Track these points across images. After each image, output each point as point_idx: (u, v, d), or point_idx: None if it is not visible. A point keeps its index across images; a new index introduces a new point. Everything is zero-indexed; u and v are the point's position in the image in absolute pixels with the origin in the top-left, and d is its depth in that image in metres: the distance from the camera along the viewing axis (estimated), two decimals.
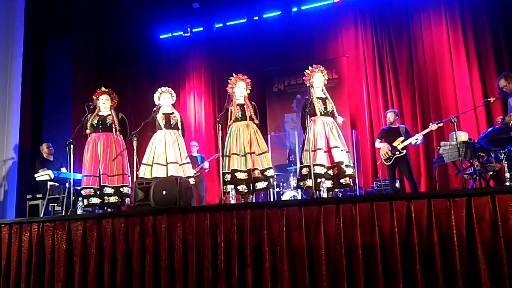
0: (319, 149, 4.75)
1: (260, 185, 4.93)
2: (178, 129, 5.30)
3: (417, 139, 5.98)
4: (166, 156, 5.11)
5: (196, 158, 7.37)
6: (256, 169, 4.91)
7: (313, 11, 8.33)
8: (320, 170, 4.68)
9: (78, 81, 7.87)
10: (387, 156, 6.00)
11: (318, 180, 4.62)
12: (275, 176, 5.09)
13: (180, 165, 5.15)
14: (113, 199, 5.06)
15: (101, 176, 5.06)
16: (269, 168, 4.99)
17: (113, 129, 5.23)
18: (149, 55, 9.36)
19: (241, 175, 4.86)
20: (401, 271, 3.16)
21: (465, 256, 3.09)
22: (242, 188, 4.87)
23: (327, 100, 4.99)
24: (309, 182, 4.55)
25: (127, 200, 5.17)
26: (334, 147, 4.78)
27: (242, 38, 8.82)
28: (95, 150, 5.13)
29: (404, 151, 5.97)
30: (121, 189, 5.12)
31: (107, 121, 5.24)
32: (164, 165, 5.09)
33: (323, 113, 4.89)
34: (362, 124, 7.90)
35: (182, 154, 5.23)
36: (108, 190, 5.04)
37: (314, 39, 8.50)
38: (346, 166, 4.75)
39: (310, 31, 8.48)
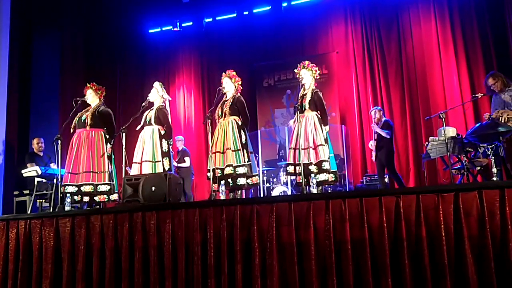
0: (296, 148, 4.77)
1: (242, 181, 4.89)
2: (151, 124, 5.11)
3: (377, 131, 6.13)
4: (143, 153, 5.01)
5: (182, 151, 7.32)
6: (231, 165, 4.83)
7: (303, 6, 8.32)
8: (290, 169, 4.86)
9: (65, 75, 7.77)
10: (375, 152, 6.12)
11: (313, 175, 4.65)
12: (247, 172, 4.94)
13: (154, 162, 4.99)
14: (86, 198, 4.95)
15: (83, 174, 4.90)
16: (242, 165, 4.87)
17: (87, 126, 5.03)
18: (138, 49, 9.27)
19: (221, 173, 4.85)
20: (390, 266, 3.19)
21: (452, 251, 3.13)
22: (215, 186, 4.80)
23: (304, 97, 4.96)
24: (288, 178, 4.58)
25: (114, 196, 5.07)
26: (308, 147, 4.77)
27: (232, 33, 8.78)
28: (76, 147, 4.99)
29: (372, 147, 6.12)
30: (98, 188, 4.92)
31: (83, 118, 5.10)
32: (138, 163, 5.00)
33: (301, 110, 4.86)
34: (351, 119, 7.94)
35: (157, 151, 5.02)
36: (87, 188, 4.87)
37: (304, 35, 8.50)
38: (327, 162, 4.74)
39: (300, 26, 8.47)
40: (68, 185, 4.86)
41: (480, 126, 4.97)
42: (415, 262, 3.18)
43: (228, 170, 4.81)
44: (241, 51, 8.73)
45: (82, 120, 5.09)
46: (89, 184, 4.88)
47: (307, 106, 4.90)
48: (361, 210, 3.32)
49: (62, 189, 4.84)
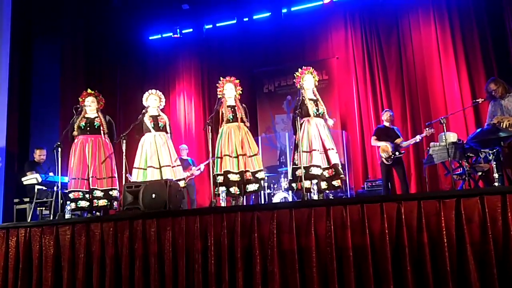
0: (314, 150, 4.74)
1: (252, 187, 4.92)
2: (166, 131, 5.27)
3: (416, 140, 6.02)
4: (159, 159, 5.07)
5: (187, 161, 7.32)
6: (248, 171, 4.89)
7: (303, 12, 8.34)
8: (316, 171, 4.68)
9: (66, 83, 7.78)
10: (388, 155, 6.00)
11: (314, 181, 4.63)
12: (266, 178, 5.09)
13: (172, 167, 5.12)
14: (102, 202, 5.00)
15: (91, 179, 5.00)
16: (260, 170, 4.99)
17: (101, 132, 5.17)
18: (138, 56, 9.29)
19: (233, 177, 4.84)
20: (392, 273, 3.17)
21: (455, 257, 3.11)
22: (234, 190, 4.84)
23: (318, 102, 5.00)
24: (306, 183, 4.54)
25: (115, 203, 5.12)
26: (329, 148, 4.81)
27: (232, 39, 8.80)
28: (83, 153, 5.06)
29: (404, 152, 6.02)
30: (110, 192, 5.07)
31: (95, 124, 5.18)
32: (157, 168, 5.06)
33: (315, 114, 4.90)
34: (352, 125, 7.93)
35: (172, 157, 5.20)
36: (98, 193, 4.99)
37: (304, 40, 8.52)
38: (341, 168, 4.80)
39: (300, 32, 8.48)
40: (76, 191, 4.91)
41: (481, 131, 4.96)
42: (417, 269, 3.16)
43: (248, 175, 4.87)
44: (241, 57, 8.75)
45: (96, 127, 5.15)
46: (114, 189, 5.09)
47: (324, 111, 5.01)
48: (363, 216, 3.30)
49: (66, 196, 4.90)
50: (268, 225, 3.48)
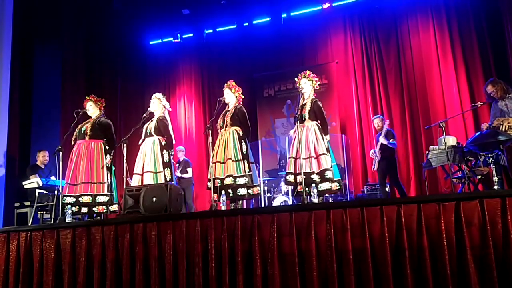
0: (297, 158, 4.78)
1: (243, 191, 4.90)
2: (152, 135, 5.12)
3: (382, 142, 6.14)
4: (144, 165, 5.02)
5: (184, 162, 7.34)
6: (231, 175, 4.86)
7: (303, 17, 8.38)
8: (290, 178, 4.85)
9: (66, 87, 7.81)
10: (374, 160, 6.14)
11: (313, 185, 4.64)
12: (247, 183, 4.97)
13: (155, 173, 4.99)
14: (101, 208, 4.95)
15: (81, 184, 4.93)
16: (242, 176, 4.90)
17: (87, 137, 5.07)
18: (139, 61, 9.32)
19: (221, 183, 4.86)
20: (392, 276, 3.17)
21: (454, 260, 3.11)
22: (215, 196, 4.80)
23: (304, 106, 4.98)
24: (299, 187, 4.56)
25: (115, 207, 5.07)
26: (310, 156, 4.76)
27: (232, 44, 8.84)
28: (76, 158, 5.03)
29: (376, 155, 6.11)
30: (96, 198, 4.95)
31: (82, 129, 5.15)
32: (140, 174, 5.01)
33: (301, 119, 4.88)
34: (351, 129, 7.95)
35: (158, 162, 5.02)
36: (85, 199, 4.90)
37: (304, 45, 8.55)
38: (330, 171, 4.73)
39: (300, 37, 8.52)
40: (67, 195, 4.87)
41: (480, 134, 4.97)
42: (417, 272, 3.16)
43: (228, 181, 4.83)
44: (241, 62, 8.78)
45: (82, 131, 5.13)
46: (87, 195, 4.90)
47: (307, 116, 4.91)
48: (362, 219, 3.31)
49: (62, 200, 4.86)
50: (269, 228, 3.49)
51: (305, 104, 5.00)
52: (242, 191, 4.89)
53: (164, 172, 5.01)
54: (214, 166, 4.92)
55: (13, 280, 4.08)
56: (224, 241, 3.55)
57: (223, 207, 4.75)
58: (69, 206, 4.83)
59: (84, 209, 4.92)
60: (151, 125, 5.17)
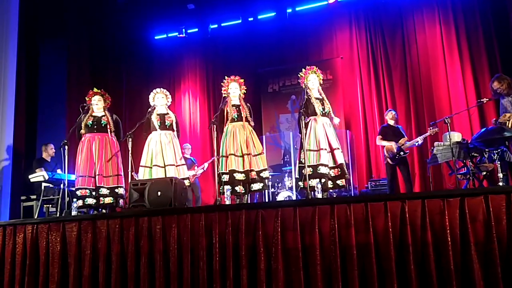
0: (322, 149, 4.75)
1: (256, 186, 4.95)
2: (173, 130, 5.30)
3: (417, 141, 6.03)
4: (164, 157, 5.09)
5: (190, 160, 7.36)
6: (253, 170, 4.92)
7: (308, 12, 8.36)
8: (324, 170, 4.70)
9: (72, 82, 7.84)
10: (393, 155, 6.00)
11: (323, 180, 4.65)
12: (270, 177, 5.11)
13: (176, 166, 5.14)
14: (108, 199, 5.05)
15: (97, 176, 5.05)
16: (265, 170, 5.02)
17: (108, 130, 5.22)
18: (144, 56, 9.34)
19: (239, 176, 4.87)
20: (396, 271, 3.18)
21: (458, 256, 3.11)
22: (239, 189, 4.87)
23: (324, 101, 5.01)
24: (313, 182, 4.56)
25: (121, 201, 5.16)
26: (336, 148, 4.82)
27: (237, 39, 8.83)
28: (90, 151, 5.11)
29: (408, 151, 6.03)
30: (116, 190, 5.12)
31: (102, 122, 5.23)
32: (162, 167, 5.08)
33: (322, 113, 4.91)
34: (356, 124, 7.94)
35: (177, 156, 5.21)
36: (104, 191, 5.04)
37: (309, 40, 8.53)
38: (346, 168, 4.82)
39: (305, 32, 8.50)
40: (82, 188, 4.97)
41: (486, 131, 4.96)
42: (421, 268, 3.16)
43: (253, 174, 4.91)
44: (246, 57, 8.78)
45: (103, 125, 5.20)
46: (120, 187, 5.14)
47: (330, 110, 5.01)
48: (366, 215, 3.32)
49: (72, 193, 4.95)
50: (273, 223, 3.50)
51: (323, 98, 5.03)
52: (259, 185, 4.96)
53: (181, 167, 5.21)
54: (230, 158, 4.89)
55: (20, 272, 4.12)
56: (229, 235, 3.57)
57: (227, 202, 4.77)
58: (75, 200, 4.88)
59: (107, 200, 5.05)
60: (172, 118, 5.28)
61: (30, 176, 5.76)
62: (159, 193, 4.25)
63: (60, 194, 5.22)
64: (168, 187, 4.25)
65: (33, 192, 5.88)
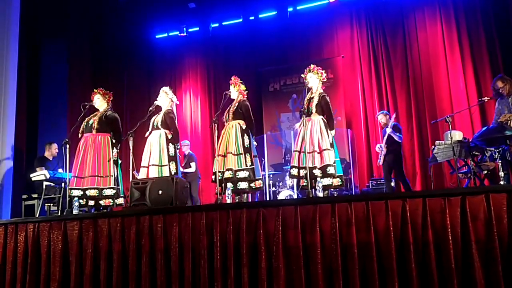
0: (296, 150, 4.87)
1: (243, 185, 4.96)
2: (159, 128, 5.15)
3: (388, 134, 6.15)
4: (150, 157, 5.07)
5: (188, 156, 7.37)
6: (231, 169, 4.93)
7: (309, 11, 8.35)
8: (294, 171, 4.86)
9: (73, 81, 7.86)
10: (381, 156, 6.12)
11: (318, 180, 4.65)
12: (248, 177, 5.00)
13: (161, 166, 5.03)
14: (107, 201, 5.00)
15: (89, 177, 4.96)
16: (242, 170, 4.95)
17: (94, 130, 5.10)
18: (145, 55, 9.34)
19: (222, 175, 4.92)
20: (397, 270, 3.18)
21: (459, 255, 3.11)
22: (219, 189, 4.82)
23: (311, 100, 4.96)
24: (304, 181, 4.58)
25: (120, 200, 5.12)
26: (325, 149, 4.77)
27: (238, 38, 8.83)
28: (83, 151, 5.07)
29: (382, 149, 6.10)
30: (103, 192, 4.99)
31: (90, 122, 5.19)
32: (146, 167, 5.06)
33: (307, 113, 4.89)
34: (357, 123, 7.94)
35: (163, 155, 5.07)
36: (92, 192, 4.94)
37: (310, 39, 8.52)
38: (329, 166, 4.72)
39: (306, 31, 8.49)
40: (74, 188, 4.92)
41: (487, 129, 4.96)
42: (422, 266, 3.16)
43: (227, 174, 4.90)
44: (247, 56, 8.78)
45: (89, 125, 5.16)
46: (94, 188, 4.94)
47: (313, 110, 4.91)
48: (367, 213, 3.31)
49: (69, 193, 4.90)
50: (274, 221, 3.50)
51: (312, 97, 4.99)
52: (243, 185, 4.95)
53: (169, 165, 5.03)
54: (219, 159, 4.99)
55: (21, 271, 4.13)
56: (230, 234, 3.57)
57: (229, 200, 4.78)
58: (76, 198, 4.87)
59: (91, 202, 4.96)
60: (158, 118, 5.20)
61: (31, 175, 5.77)
62: (160, 191, 4.25)
63: (62, 193, 5.22)
64: (169, 186, 4.25)
65: (34, 191, 5.89)
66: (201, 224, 3.68)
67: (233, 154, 4.95)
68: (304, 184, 4.57)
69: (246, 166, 4.95)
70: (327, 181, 4.69)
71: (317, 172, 4.69)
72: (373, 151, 7.61)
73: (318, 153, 4.75)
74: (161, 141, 5.10)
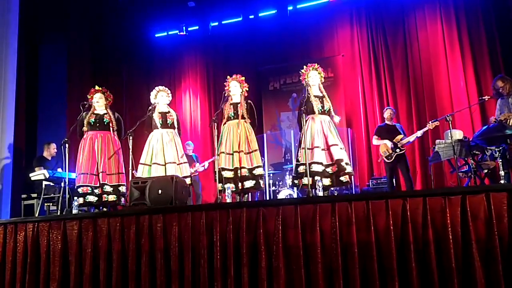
0: (316, 147, 4.73)
1: (248, 183, 4.93)
2: (174, 128, 5.30)
3: (417, 135, 6.01)
4: (164, 155, 5.10)
5: (191, 158, 7.37)
6: (244, 167, 4.90)
7: (309, 10, 8.34)
8: (317, 168, 4.66)
9: (72, 80, 7.84)
10: (388, 153, 5.99)
11: (316, 178, 4.62)
12: (264, 174, 5.08)
13: (177, 164, 5.13)
14: (111, 197, 5.05)
15: (101, 174, 5.05)
16: (258, 167, 4.98)
17: (111, 128, 5.23)
18: (144, 54, 9.33)
19: (227, 174, 4.89)
20: (397, 269, 3.17)
21: (460, 254, 3.10)
22: (230, 187, 4.86)
23: (324, 99, 4.98)
24: (305, 180, 4.54)
25: (123, 199, 5.16)
26: (332, 144, 4.77)
27: (237, 37, 8.82)
28: (92, 148, 5.11)
29: (405, 148, 6.00)
30: (119, 188, 5.14)
31: (104, 120, 5.23)
32: (162, 165, 5.09)
33: (320, 111, 4.89)
34: (357, 122, 7.93)
35: (179, 153, 5.22)
36: (108, 188, 5.05)
37: (310, 38, 8.51)
38: (346, 163, 4.74)
39: (306, 29, 8.48)
40: (85, 185, 4.96)
41: (487, 128, 4.95)
42: (422, 266, 3.16)
43: (230, 174, 4.90)
44: (246, 55, 8.77)
45: (105, 123, 5.19)
46: (122, 185, 5.15)
47: (330, 108, 4.97)
48: (368, 213, 3.30)
49: (73, 191, 4.95)
50: (274, 221, 3.49)
51: (324, 96, 5.00)
52: (251, 183, 4.94)
53: (184, 165, 5.22)
54: (221, 156, 4.94)
55: (21, 271, 4.12)
56: (229, 233, 3.56)
57: (228, 200, 4.77)
58: (76, 198, 4.88)
59: (111, 197, 5.07)
60: (172, 117, 5.30)
61: (30, 175, 5.77)
62: (160, 191, 4.24)
63: (61, 193, 5.22)
64: (169, 185, 4.24)
65: (33, 191, 5.88)
66: (201, 223, 3.67)
67: (246, 153, 4.95)
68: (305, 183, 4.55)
69: (259, 163, 5.02)
70: (344, 179, 4.77)
71: (348, 168, 4.74)
72: (373, 150, 7.60)
73: (341, 148, 4.84)
74: (176, 140, 5.26)
